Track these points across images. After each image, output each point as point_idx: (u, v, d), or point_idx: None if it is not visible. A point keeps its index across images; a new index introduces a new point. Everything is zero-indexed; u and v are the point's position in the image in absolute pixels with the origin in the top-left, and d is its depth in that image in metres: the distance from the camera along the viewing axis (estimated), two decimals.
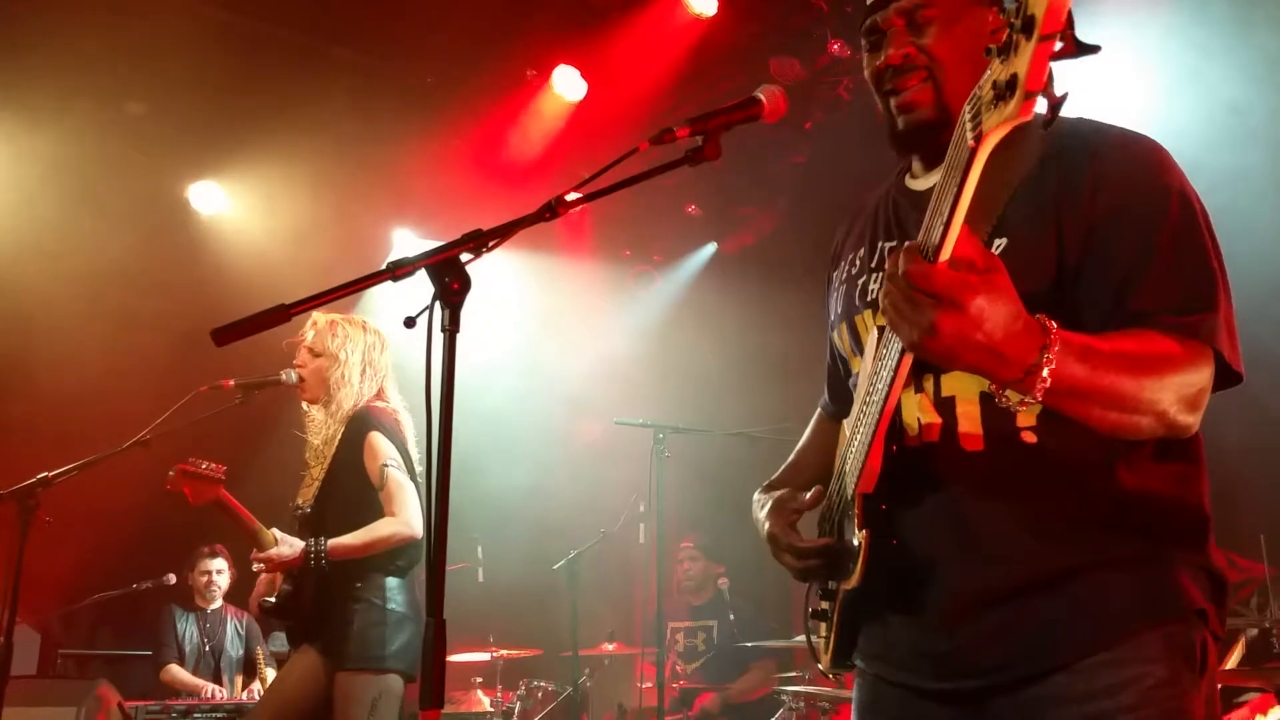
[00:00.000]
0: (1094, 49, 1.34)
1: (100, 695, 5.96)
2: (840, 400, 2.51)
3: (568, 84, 7.30)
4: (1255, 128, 5.40)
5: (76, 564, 7.56)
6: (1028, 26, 1.32)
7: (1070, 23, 1.31)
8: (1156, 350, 1.76)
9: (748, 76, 6.63)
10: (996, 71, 1.39)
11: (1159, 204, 1.88)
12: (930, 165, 2.20)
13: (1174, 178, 1.92)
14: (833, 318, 2.38)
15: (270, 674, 7.33)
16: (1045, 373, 1.59)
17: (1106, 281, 1.87)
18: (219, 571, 7.67)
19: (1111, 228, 1.88)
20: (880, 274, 2.19)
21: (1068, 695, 1.85)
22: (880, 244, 2.24)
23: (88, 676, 7.36)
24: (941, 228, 1.53)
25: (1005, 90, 1.37)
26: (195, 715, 6.57)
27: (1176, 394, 1.76)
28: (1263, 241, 4.88)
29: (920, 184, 2.22)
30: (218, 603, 7.72)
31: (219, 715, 6.59)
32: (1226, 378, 1.84)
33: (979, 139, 1.44)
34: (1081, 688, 1.84)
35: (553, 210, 2.05)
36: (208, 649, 7.51)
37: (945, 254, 1.54)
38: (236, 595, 7.81)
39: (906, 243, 1.59)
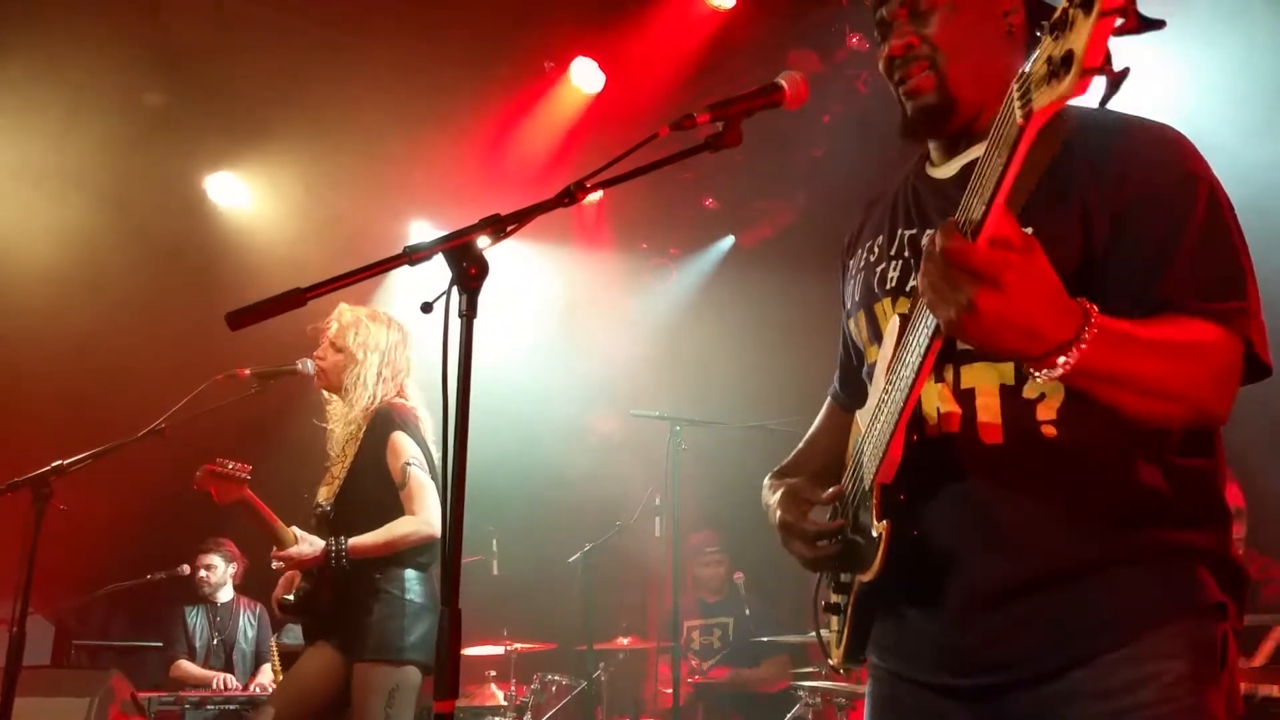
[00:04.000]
0: (1159, 24, 1.31)
1: (113, 686, 5.95)
2: (851, 390, 2.48)
3: (586, 76, 7.28)
4: None
5: (90, 554, 7.56)
6: (1086, 2, 1.29)
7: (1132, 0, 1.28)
8: (1194, 338, 1.75)
9: (766, 69, 6.53)
10: (1049, 48, 1.35)
11: (1186, 193, 1.86)
12: (949, 153, 2.19)
13: (1201, 168, 1.91)
14: (849, 305, 2.36)
15: (266, 669, 7.35)
16: (1074, 352, 1.56)
17: (1133, 268, 1.85)
18: (209, 567, 7.65)
19: (1138, 216, 1.86)
20: (900, 261, 2.17)
21: (1087, 691, 1.83)
22: (900, 231, 2.21)
23: (101, 667, 7.35)
24: (984, 206, 1.50)
25: (1060, 66, 1.33)
26: (208, 707, 6.58)
27: (1211, 383, 1.75)
28: None
29: (940, 172, 2.20)
30: (229, 595, 7.72)
31: (231, 707, 6.60)
32: (1255, 369, 1.82)
33: (1028, 117, 1.40)
34: (1101, 684, 1.82)
35: (571, 195, 2.02)
36: (217, 642, 7.52)
37: (986, 232, 1.51)
38: (253, 589, 7.81)
39: (945, 220, 1.56)
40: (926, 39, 2.10)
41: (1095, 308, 1.58)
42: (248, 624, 7.68)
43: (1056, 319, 1.55)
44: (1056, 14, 1.34)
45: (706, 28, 6.75)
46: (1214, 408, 1.77)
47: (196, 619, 7.56)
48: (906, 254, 2.16)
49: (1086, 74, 1.30)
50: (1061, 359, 1.56)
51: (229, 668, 7.47)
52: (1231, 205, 1.90)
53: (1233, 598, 1.89)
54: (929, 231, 2.12)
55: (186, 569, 7.51)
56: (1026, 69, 1.41)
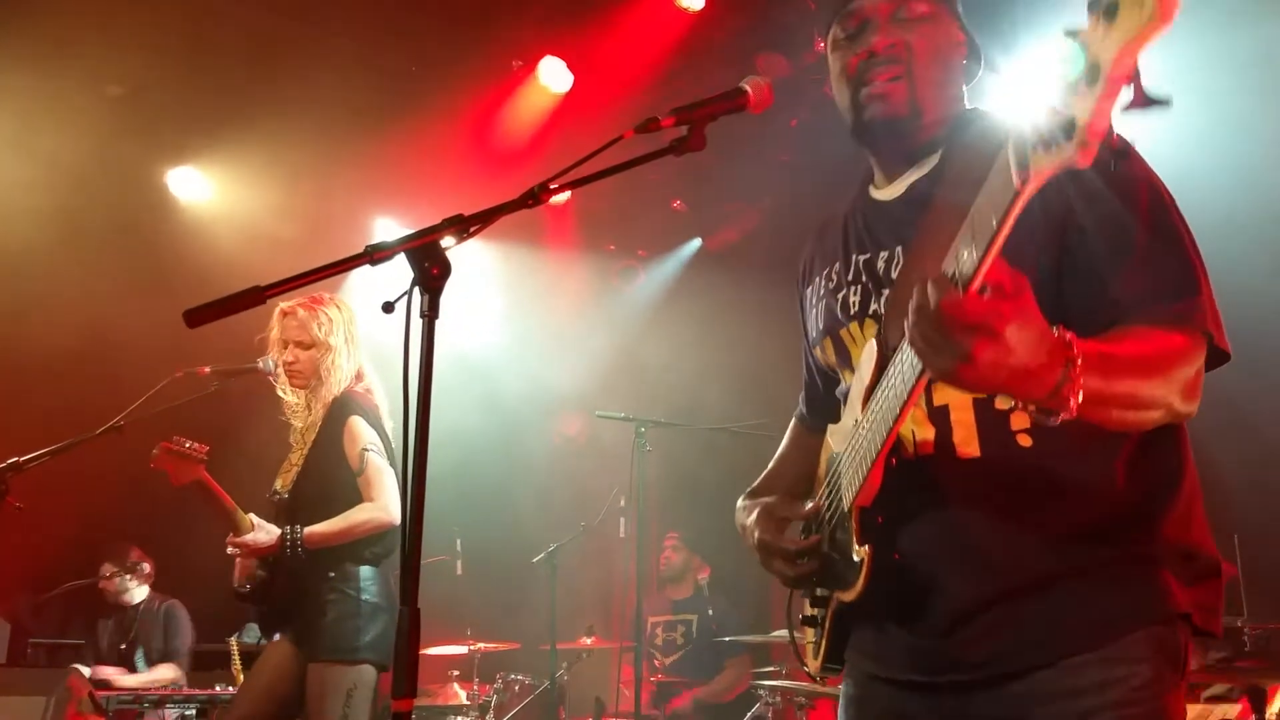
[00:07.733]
0: (1164, 102, 1.27)
1: (71, 685, 5.88)
2: (819, 412, 2.50)
3: (554, 75, 7.27)
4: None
5: (48, 551, 7.49)
6: (1092, 73, 1.23)
7: (1138, 74, 1.24)
8: (1163, 348, 1.77)
9: (734, 72, 6.56)
10: (1048, 113, 1.30)
11: (1128, 195, 1.89)
12: (891, 174, 2.21)
13: (1139, 168, 1.94)
14: (814, 334, 2.37)
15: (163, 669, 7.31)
16: (1074, 388, 1.56)
17: (1088, 275, 1.88)
18: (106, 578, 7.59)
19: (1085, 223, 1.89)
20: (859, 286, 2.19)
21: (1052, 691, 1.86)
22: (854, 257, 2.23)
23: (58, 665, 7.29)
24: (974, 261, 1.48)
25: (1059, 133, 1.28)
26: (168, 706, 6.52)
27: (1180, 386, 1.78)
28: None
29: (885, 194, 2.22)
30: (142, 595, 7.67)
31: (191, 706, 6.54)
32: (1214, 356, 1.86)
33: (1025, 180, 1.36)
34: (1066, 684, 1.85)
35: (535, 197, 2.00)
36: (124, 647, 7.45)
37: (976, 284, 1.50)
38: (194, 582, 7.68)
39: (934, 275, 1.55)
40: (908, 45, 2.07)
41: (1073, 336, 1.58)
42: (155, 623, 7.60)
43: (1050, 355, 1.55)
44: (1055, 80, 1.28)
45: (676, 29, 6.75)
46: (1184, 409, 1.81)
47: (108, 624, 7.58)
48: (864, 279, 2.18)
49: (1088, 145, 1.25)
50: (1074, 397, 1.56)
51: (132, 667, 7.41)
52: (1174, 199, 1.93)
53: (1199, 595, 1.92)
54: (865, 257, 2.09)
55: (146, 567, 7.48)
56: (1020, 127, 1.36)
